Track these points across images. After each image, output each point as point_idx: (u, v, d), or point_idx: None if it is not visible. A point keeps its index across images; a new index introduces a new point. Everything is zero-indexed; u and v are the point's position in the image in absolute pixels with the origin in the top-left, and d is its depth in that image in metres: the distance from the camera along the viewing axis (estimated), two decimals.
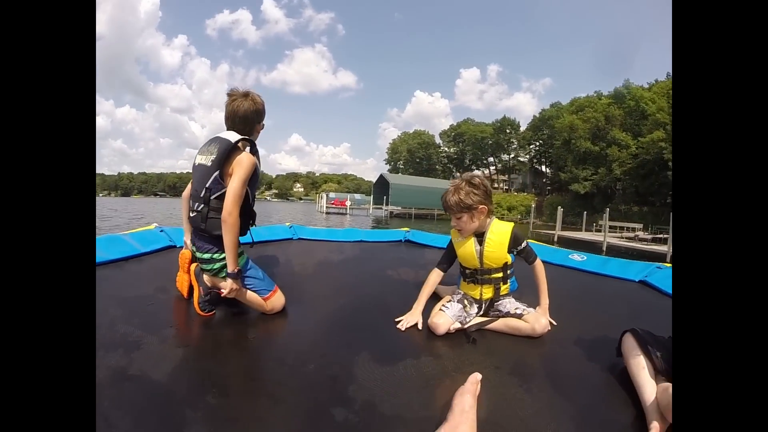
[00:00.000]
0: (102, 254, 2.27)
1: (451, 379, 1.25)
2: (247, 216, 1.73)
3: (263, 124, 1.85)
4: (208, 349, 1.46)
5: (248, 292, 1.72)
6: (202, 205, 1.66)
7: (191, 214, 1.72)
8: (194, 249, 1.74)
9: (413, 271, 2.62)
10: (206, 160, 1.67)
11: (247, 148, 1.76)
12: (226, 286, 1.62)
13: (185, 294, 1.72)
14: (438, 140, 58.95)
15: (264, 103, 1.80)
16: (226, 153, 1.64)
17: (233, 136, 1.69)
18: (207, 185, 1.65)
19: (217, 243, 1.66)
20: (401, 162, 58.22)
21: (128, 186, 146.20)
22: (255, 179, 1.73)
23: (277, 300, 1.78)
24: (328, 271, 2.74)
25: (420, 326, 1.70)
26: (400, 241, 3.86)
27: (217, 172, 1.63)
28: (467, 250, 1.75)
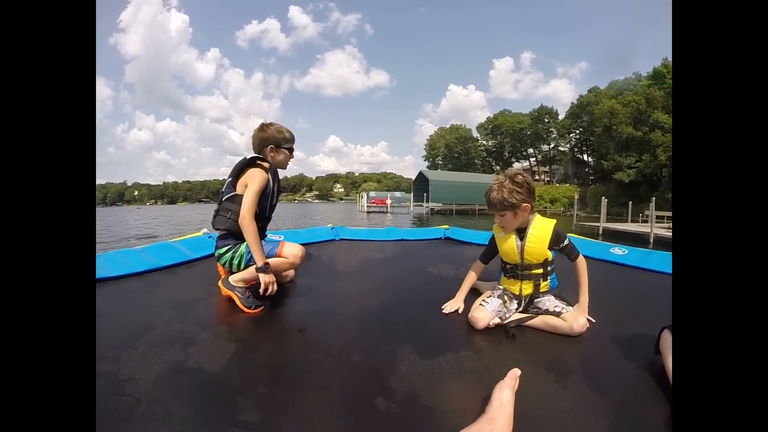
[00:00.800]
0: (155, 261, 2.45)
1: (489, 373, 1.28)
2: (259, 221, 1.98)
3: (282, 149, 2.10)
4: (259, 342, 1.56)
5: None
6: (217, 205, 2.03)
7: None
8: None
9: (453, 267, 2.65)
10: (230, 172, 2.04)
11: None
12: (261, 281, 1.84)
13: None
14: (475, 134, 58.00)
15: (276, 130, 2.08)
16: (241, 165, 1.99)
17: (251, 155, 2.03)
18: (222, 189, 2.02)
19: (221, 240, 1.99)
20: (439, 158, 57.65)
21: (174, 194, 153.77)
22: (266, 192, 2.01)
23: (290, 248, 2.00)
24: (370, 268, 2.81)
25: (461, 311, 1.84)
26: (440, 238, 3.87)
27: (230, 179, 1.99)
28: (509, 245, 1.77)
